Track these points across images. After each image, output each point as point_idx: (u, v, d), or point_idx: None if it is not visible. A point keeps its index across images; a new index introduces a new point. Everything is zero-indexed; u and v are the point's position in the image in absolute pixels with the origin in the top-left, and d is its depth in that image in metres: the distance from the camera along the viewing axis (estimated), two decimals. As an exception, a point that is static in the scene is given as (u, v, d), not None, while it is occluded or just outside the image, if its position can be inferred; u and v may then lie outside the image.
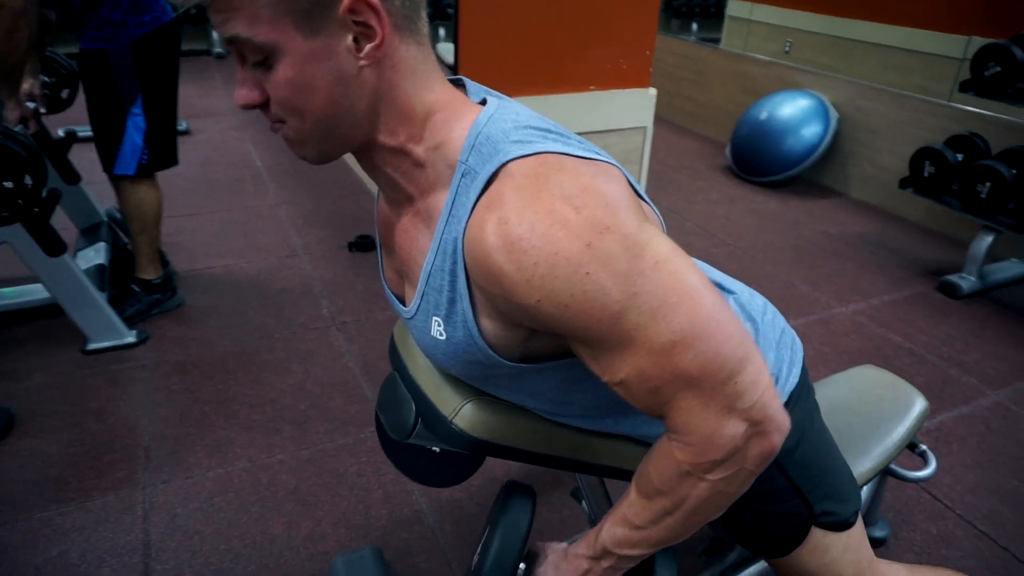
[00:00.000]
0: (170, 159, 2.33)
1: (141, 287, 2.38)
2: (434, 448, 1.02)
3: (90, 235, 2.64)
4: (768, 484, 0.96)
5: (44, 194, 1.97)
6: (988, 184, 2.69)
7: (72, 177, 2.56)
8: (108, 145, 2.19)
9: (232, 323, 2.41)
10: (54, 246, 2.00)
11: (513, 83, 2.39)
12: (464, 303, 0.72)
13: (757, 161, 3.97)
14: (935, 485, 1.84)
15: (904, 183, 3.05)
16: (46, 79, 2.44)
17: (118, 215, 2.74)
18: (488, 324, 0.73)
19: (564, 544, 0.90)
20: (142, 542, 1.56)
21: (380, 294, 2.64)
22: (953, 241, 3.34)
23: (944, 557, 1.63)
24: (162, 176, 2.34)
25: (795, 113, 3.86)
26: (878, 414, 1.41)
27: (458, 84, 0.81)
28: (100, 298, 2.16)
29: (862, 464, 1.28)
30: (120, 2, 2.02)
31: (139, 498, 1.68)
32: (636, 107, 2.69)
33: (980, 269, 2.84)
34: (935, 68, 3.88)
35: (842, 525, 1.00)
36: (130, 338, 2.24)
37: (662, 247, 0.66)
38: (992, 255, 2.85)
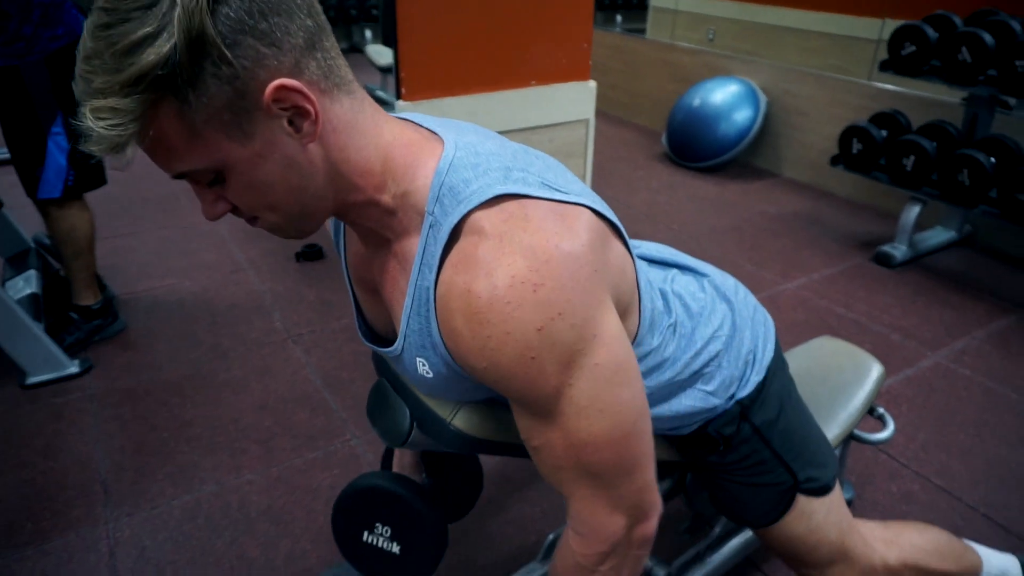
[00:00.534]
0: (98, 179, 2.22)
1: (80, 314, 2.27)
2: (393, 550, 1.05)
3: (17, 263, 2.49)
4: (754, 456, 0.99)
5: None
6: (912, 157, 2.84)
7: (-7, 203, 2.41)
8: (29, 168, 2.08)
9: (182, 344, 2.32)
10: (-17, 277, 1.88)
11: (457, 82, 2.38)
12: (441, 349, 0.73)
13: (693, 147, 4.07)
14: (891, 446, 1.93)
15: (835, 160, 3.18)
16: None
17: (47, 240, 2.60)
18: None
19: None
20: (110, 580, 1.49)
21: (333, 303, 2.59)
22: (883, 214, 3.51)
23: (906, 512, 1.72)
24: (90, 197, 2.23)
25: (726, 99, 3.98)
26: (839, 382, 1.47)
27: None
28: (36, 328, 2.04)
29: (829, 431, 1.34)
30: (30, 15, 1.91)
31: (102, 534, 1.60)
32: (577, 100, 2.71)
33: (910, 238, 3.00)
34: (853, 50, 4.06)
35: (824, 490, 1.04)
36: (73, 368, 2.13)
37: (605, 342, 0.68)
38: (920, 224, 3.01)
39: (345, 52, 6.63)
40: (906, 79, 2.97)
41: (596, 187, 3.82)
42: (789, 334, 2.43)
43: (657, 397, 0.92)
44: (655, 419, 0.95)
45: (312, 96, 0.62)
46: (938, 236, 3.14)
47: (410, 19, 2.21)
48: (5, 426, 1.93)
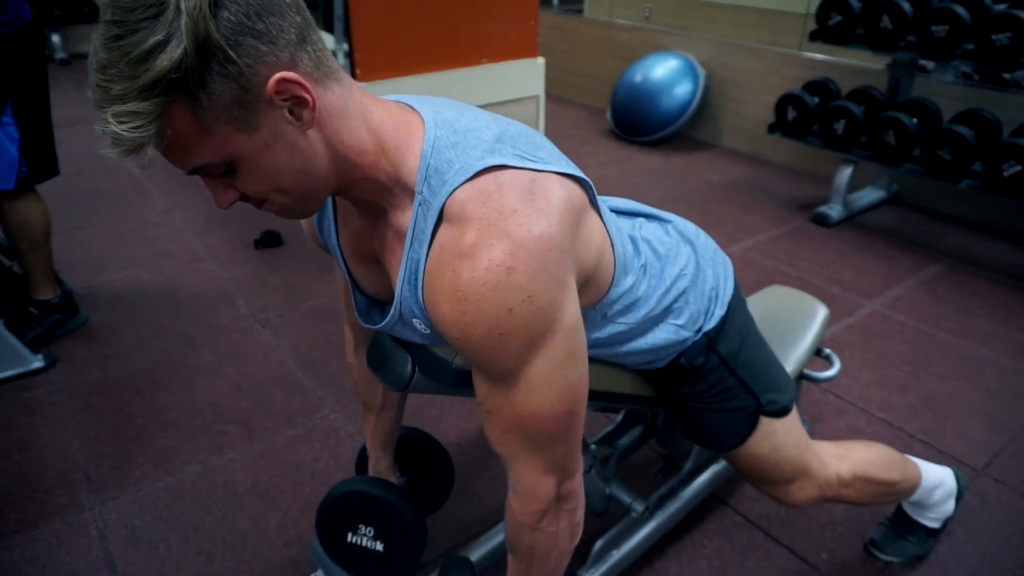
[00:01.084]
0: (51, 169, 2.19)
1: (39, 309, 2.23)
2: (377, 549, 1.13)
3: (-34, 263, 2.43)
4: (721, 384, 1.10)
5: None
6: (843, 122, 3.02)
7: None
8: None
9: (148, 334, 2.31)
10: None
11: (410, 62, 2.42)
12: (425, 314, 0.80)
13: (637, 122, 4.19)
14: (837, 386, 2.08)
15: (772, 128, 3.34)
16: None
17: (0, 236, 2.53)
18: None
19: None
20: (105, 561, 1.51)
21: (299, 286, 2.61)
22: (818, 177, 3.70)
23: (853, 444, 1.87)
24: (39, 190, 2.19)
25: (666, 74, 4.11)
26: (789, 325, 1.60)
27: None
28: (-2, 325, 2.02)
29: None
30: None
31: (89, 519, 1.61)
32: (527, 77, 2.79)
33: (844, 199, 3.19)
34: (783, 23, 4.23)
35: (783, 411, 1.15)
36: (37, 363, 2.10)
37: (565, 327, 0.77)
38: (852, 186, 3.20)
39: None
40: (835, 48, 3.14)
41: (547, 163, 3.91)
42: (742, 291, 2.57)
43: (636, 332, 1.00)
44: (636, 353, 1.04)
45: (308, 86, 0.68)
46: (869, 196, 3.34)
47: (362, 2, 2.24)
48: (-27, 424, 1.91)
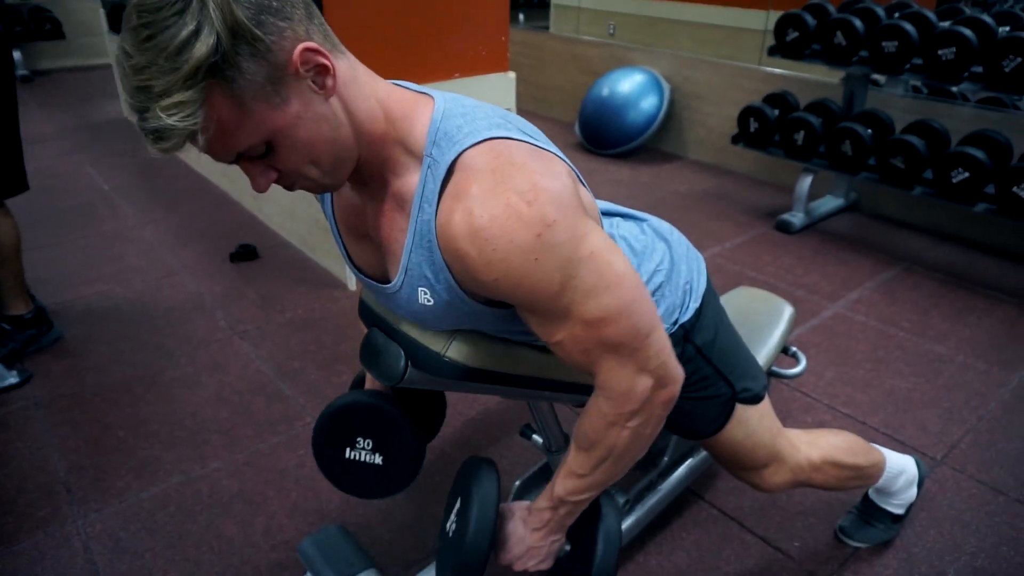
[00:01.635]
0: (19, 184, 2.18)
1: (12, 324, 2.21)
2: (376, 462, 1.13)
3: (-66, 279, 2.38)
4: (697, 373, 1.16)
5: None
6: (802, 132, 3.14)
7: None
8: None
9: (124, 347, 2.30)
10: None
11: (383, 76, 2.47)
12: (445, 273, 0.83)
13: (605, 135, 4.29)
14: (804, 384, 2.17)
15: (735, 139, 3.46)
16: None
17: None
18: (468, 285, 0.85)
19: (526, 503, 1.06)
20: (90, 571, 1.51)
21: (275, 298, 2.62)
22: (781, 186, 3.83)
23: (820, 437, 1.95)
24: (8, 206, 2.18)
25: (633, 88, 4.22)
26: (757, 324, 1.67)
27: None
28: (-29, 340, 1.99)
29: (754, 364, 1.52)
30: None
31: (72, 531, 1.61)
32: (499, 90, 2.86)
33: (806, 207, 3.31)
34: (743, 39, 4.39)
35: (756, 398, 1.22)
36: (11, 379, 2.08)
37: (596, 240, 0.81)
38: (813, 194, 3.33)
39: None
40: (792, 62, 3.27)
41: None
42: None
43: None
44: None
45: (327, 53, 0.73)
46: (829, 203, 3.47)
47: (335, 14, 2.28)
48: (-54, 440, 1.88)
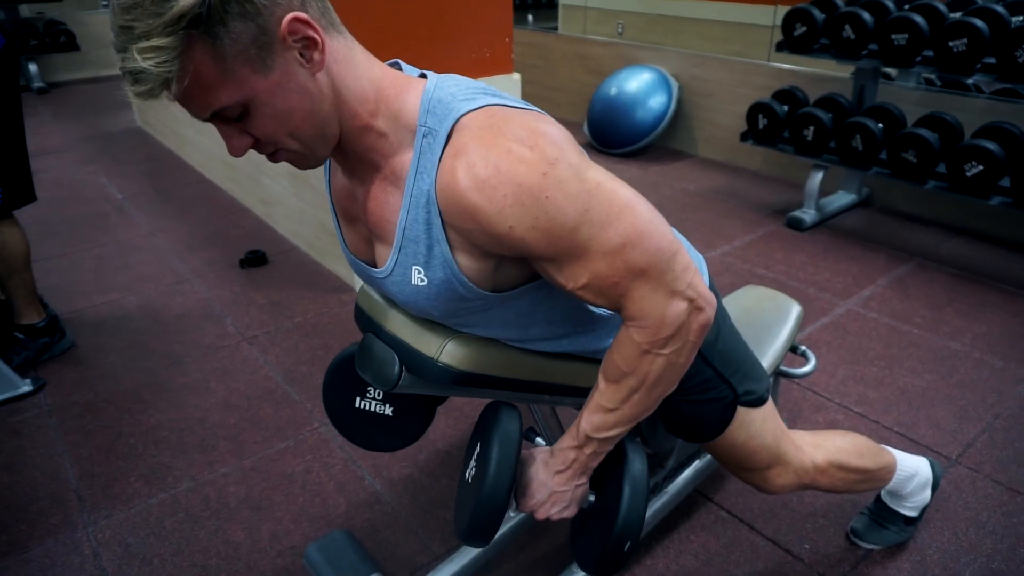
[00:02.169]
0: (27, 195, 2.20)
1: (25, 333, 2.24)
2: (386, 412, 1.11)
3: (-51, 290, 2.42)
4: (698, 376, 1.14)
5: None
6: (812, 128, 3.11)
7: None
8: None
9: (135, 355, 2.32)
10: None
11: (387, 80, 2.48)
12: (442, 245, 0.82)
13: (613, 134, 4.28)
14: (816, 384, 2.14)
15: (744, 136, 3.43)
16: None
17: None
18: (464, 260, 0.84)
19: (547, 447, 1.02)
20: (99, 577, 1.52)
21: (284, 304, 2.63)
22: (791, 183, 3.79)
23: (831, 437, 1.92)
24: (17, 217, 2.21)
25: (641, 87, 4.20)
26: (765, 323, 1.65)
27: (394, 66, 0.91)
28: (-16, 350, 2.02)
29: (761, 364, 1.50)
30: None
31: (82, 537, 1.62)
32: (504, 92, 2.85)
33: (817, 203, 3.27)
34: (751, 35, 4.35)
35: (759, 401, 1.20)
36: (25, 387, 2.11)
37: (599, 172, 0.81)
38: (824, 190, 3.29)
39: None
40: (801, 58, 3.24)
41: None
42: (720, 295, 2.64)
43: (612, 327, 1.05)
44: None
45: (318, 28, 0.73)
46: (840, 200, 3.43)
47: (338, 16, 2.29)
48: (-39, 449, 1.90)
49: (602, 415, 0.93)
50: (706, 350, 1.13)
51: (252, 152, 0.81)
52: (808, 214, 3.25)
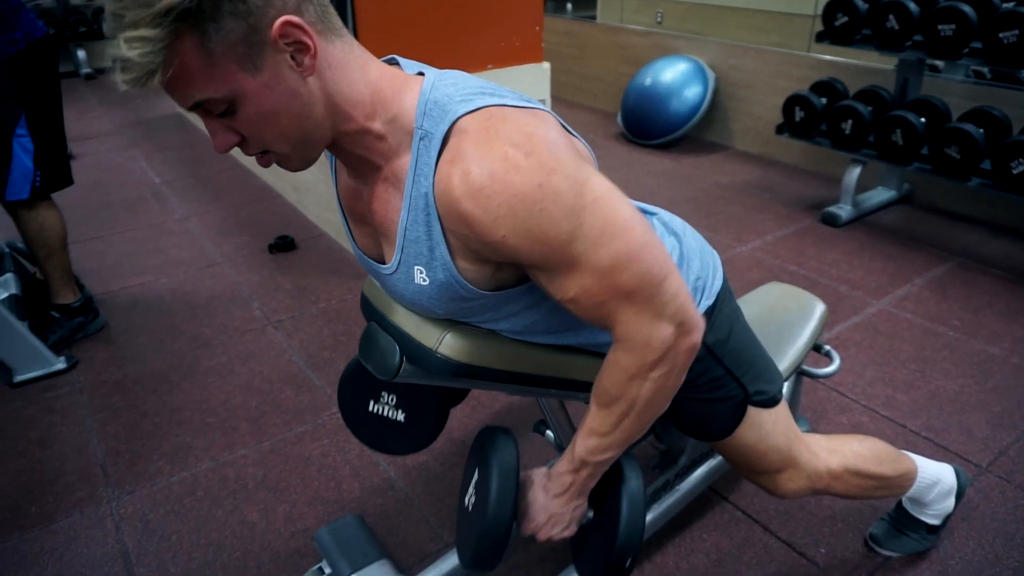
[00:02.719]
0: (64, 179, 2.27)
1: (61, 312, 2.31)
2: (398, 418, 1.11)
3: (-7, 269, 2.52)
4: (708, 374, 1.12)
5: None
6: (850, 121, 3.02)
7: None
8: None
9: (164, 337, 2.38)
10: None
11: (415, 69, 2.48)
12: (441, 248, 0.82)
13: (647, 125, 4.21)
14: (841, 384, 2.09)
15: (779, 129, 3.35)
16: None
17: (20, 245, 2.63)
18: (464, 263, 0.84)
19: (545, 468, 1.03)
20: (119, 552, 1.57)
21: (310, 289, 2.67)
22: (828, 178, 3.69)
23: (855, 440, 1.87)
24: (56, 202, 2.27)
25: (676, 77, 4.13)
26: (786, 321, 1.61)
27: (391, 62, 0.91)
28: (21, 328, 2.09)
29: (780, 364, 1.46)
30: None
31: (106, 512, 1.67)
32: (533, 81, 2.83)
33: (854, 199, 3.18)
34: (790, 25, 4.24)
35: (771, 402, 1.17)
36: (59, 364, 2.18)
37: (599, 185, 0.79)
38: (863, 186, 3.19)
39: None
40: (843, 49, 3.14)
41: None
42: (745, 291, 2.58)
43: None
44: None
45: (311, 32, 0.73)
46: (879, 195, 3.33)
47: (367, 7, 2.30)
48: (-3, 422, 1.98)
49: (596, 439, 0.93)
50: (717, 348, 1.11)
51: None
52: (844, 210, 3.16)
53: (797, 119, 3.24)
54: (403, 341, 0.96)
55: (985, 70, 3.29)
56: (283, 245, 2.97)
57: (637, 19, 5.38)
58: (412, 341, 0.95)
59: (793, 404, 1.80)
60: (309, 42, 0.73)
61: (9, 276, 2.42)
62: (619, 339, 0.85)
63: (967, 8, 2.59)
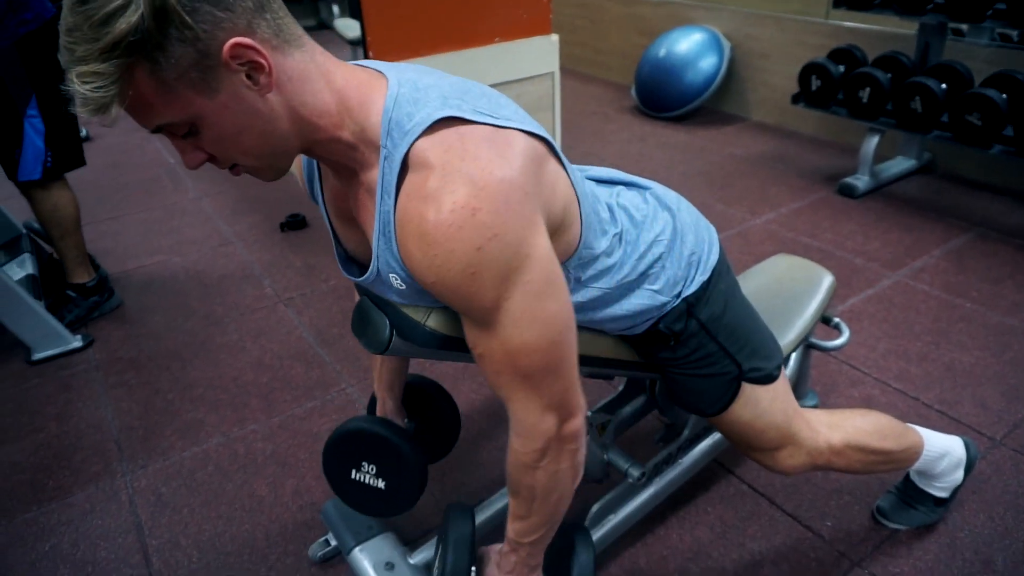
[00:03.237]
0: (76, 159, 2.29)
1: (77, 292, 2.35)
2: (379, 486, 1.18)
3: (10, 250, 2.56)
4: (701, 349, 1.11)
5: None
6: (868, 89, 2.94)
7: (-19, 193, 2.48)
8: (7, 151, 2.14)
9: (177, 315, 2.42)
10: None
11: (422, 43, 2.45)
12: (401, 264, 0.83)
13: (661, 97, 4.15)
14: (853, 357, 2.06)
15: (795, 98, 3.28)
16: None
17: (37, 226, 2.67)
18: None
19: (499, 546, 1.07)
20: (133, 524, 1.61)
21: (320, 267, 2.69)
22: (846, 148, 3.61)
23: (865, 414, 1.85)
24: (72, 183, 2.30)
25: (691, 47, 4.05)
26: (793, 293, 1.59)
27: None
28: (38, 307, 2.14)
29: (785, 337, 1.45)
30: None
31: (120, 485, 1.71)
32: (541, 54, 2.79)
33: (871, 169, 3.11)
34: (811, -10, 4.12)
35: (768, 379, 1.16)
36: (76, 343, 2.22)
37: (536, 264, 0.79)
38: (881, 156, 3.12)
39: (313, 29, 6.53)
40: (863, 14, 3.05)
41: (568, 143, 3.87)
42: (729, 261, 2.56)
43: (611, 298, 1.02)
44: (614, 319, 1.06)
45: (264, 51, 0.71)
46: (899, 165, 3.25)
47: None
48: (17, 399, 2.03)
49: (519, 523, 0.98)
50: (711, 324, 1.10)
51: None
52: (861, 180, 3.10)
53: (813, 88, 3.16)
54: (393, 316, 0.97)
55: (1013, 33, 3.18)
56: (294, 223, 2.98)
57: (653, -12, 5.27)
58: (402, 316, 0.95)
59: (802, 377, 1.78)
60: (263, 60, 0.71)
61: (26, 256, 2.47)
62: (512, 420, 0.89)
63: (991, -32, 2.50)
